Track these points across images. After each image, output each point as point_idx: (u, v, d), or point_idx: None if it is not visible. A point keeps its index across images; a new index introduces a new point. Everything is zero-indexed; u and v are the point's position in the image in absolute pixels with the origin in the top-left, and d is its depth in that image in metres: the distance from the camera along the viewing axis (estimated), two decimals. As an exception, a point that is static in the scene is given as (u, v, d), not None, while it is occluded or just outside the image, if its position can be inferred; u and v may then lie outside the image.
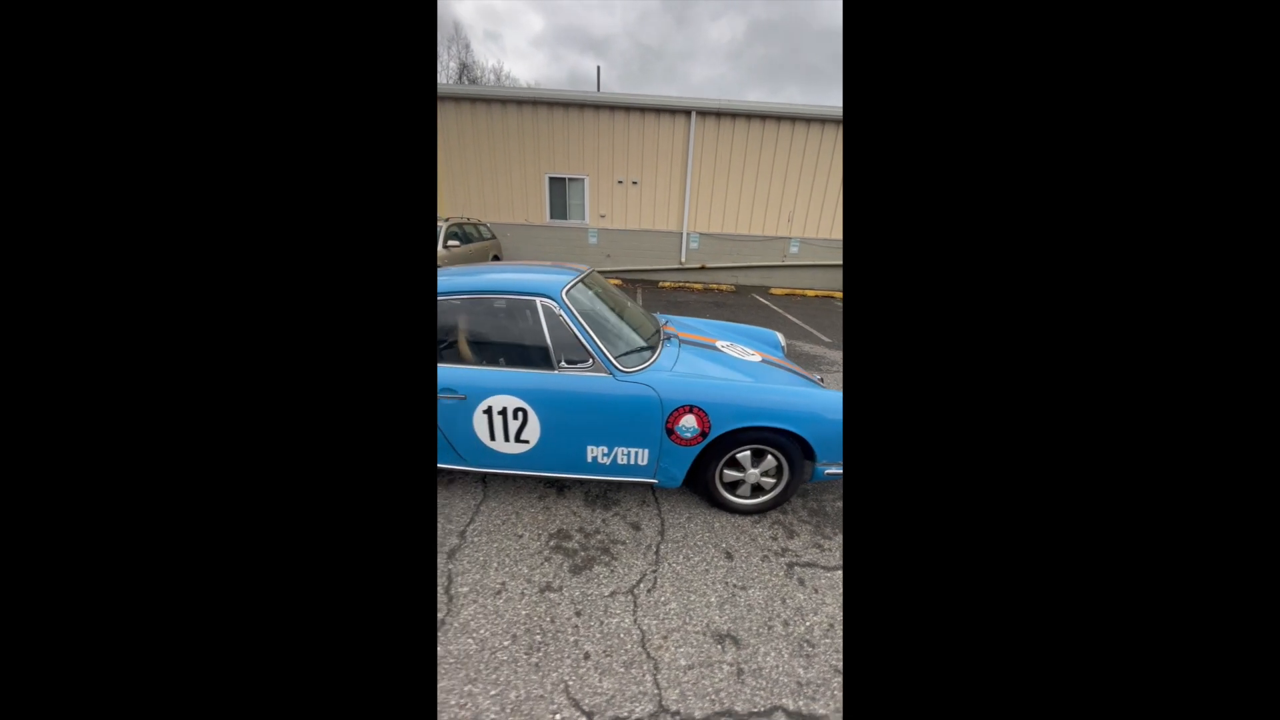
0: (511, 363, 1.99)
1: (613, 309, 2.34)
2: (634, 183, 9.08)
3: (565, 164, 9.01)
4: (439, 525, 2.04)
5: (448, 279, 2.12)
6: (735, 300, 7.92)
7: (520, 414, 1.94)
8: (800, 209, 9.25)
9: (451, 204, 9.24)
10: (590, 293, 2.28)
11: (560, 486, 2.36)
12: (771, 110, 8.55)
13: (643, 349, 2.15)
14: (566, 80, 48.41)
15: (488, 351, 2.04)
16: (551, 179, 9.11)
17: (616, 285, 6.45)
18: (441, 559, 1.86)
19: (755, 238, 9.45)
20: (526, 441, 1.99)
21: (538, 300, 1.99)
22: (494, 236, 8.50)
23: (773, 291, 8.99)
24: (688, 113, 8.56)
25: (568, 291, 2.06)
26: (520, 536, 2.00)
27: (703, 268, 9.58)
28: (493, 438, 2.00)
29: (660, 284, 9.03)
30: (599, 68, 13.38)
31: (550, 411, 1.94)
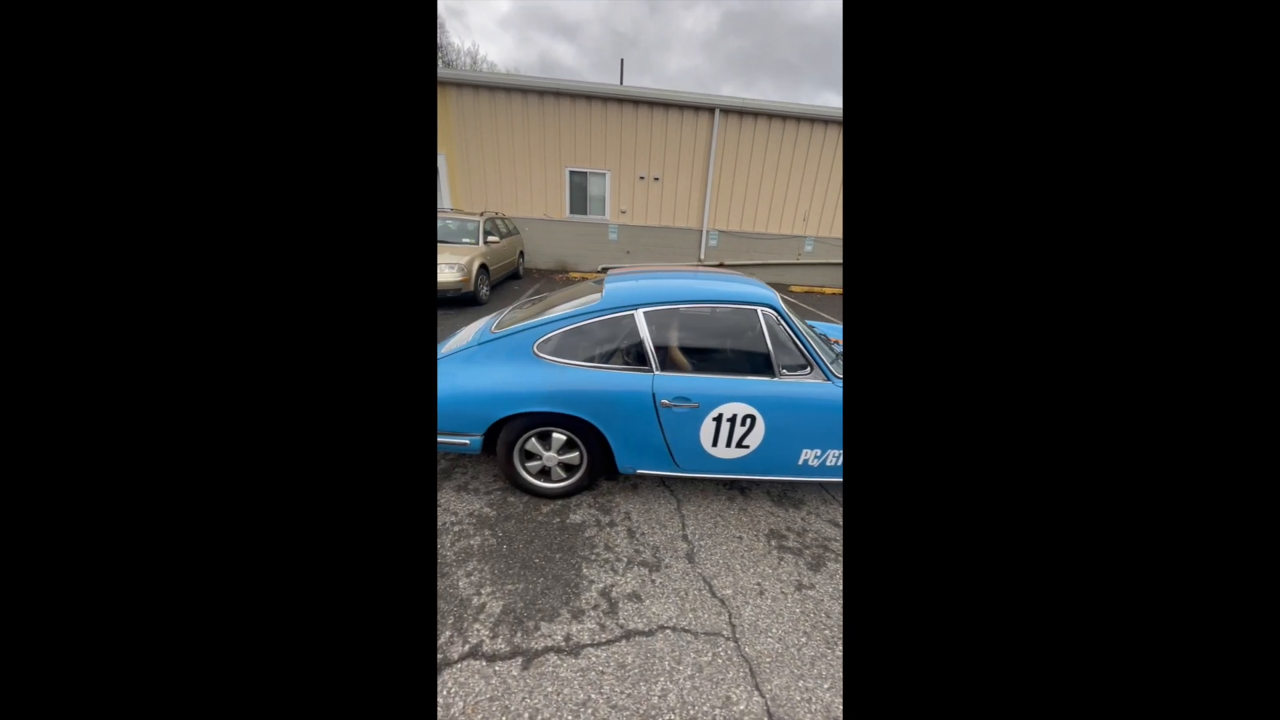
0: (734, 371, 2.04)
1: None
2: (655, 179, 9.10)
3: (587, 158, 8.91)
4: (657, 530, 2.08)
5: (657, 285, 2.14)
6: (763, 297, 8.12)
7: (749, 420, 2.00)
8: (815, 208, 9.54)
9: (468, 197, 8.96)
10: None
11: (741, 488, 2.44)
12: (791, 111, 8.75)
13: (840, 356, 2.25)
14: (538, 65, 47.13)
15: (708, 359, 2.08)
16: (572, 173, 8.99)
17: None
18: (683, 562, 1.91)
19: (771, 236, 9.69)
20: (747, 447, 2.06)
21: (759, 310, 2.05)
22: (517, 231, 8.32)
23: (792, 289, 9.26)
24: (711, 110, 8.64)
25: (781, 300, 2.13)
26: (740, 539, 2.07)
27: (721, 265, 9.73)
28: (715, 444, 2.05)
29: (682, 280, 9.11)
30: (622, 60, 13.03)
31: (777, 417, 2.01)
